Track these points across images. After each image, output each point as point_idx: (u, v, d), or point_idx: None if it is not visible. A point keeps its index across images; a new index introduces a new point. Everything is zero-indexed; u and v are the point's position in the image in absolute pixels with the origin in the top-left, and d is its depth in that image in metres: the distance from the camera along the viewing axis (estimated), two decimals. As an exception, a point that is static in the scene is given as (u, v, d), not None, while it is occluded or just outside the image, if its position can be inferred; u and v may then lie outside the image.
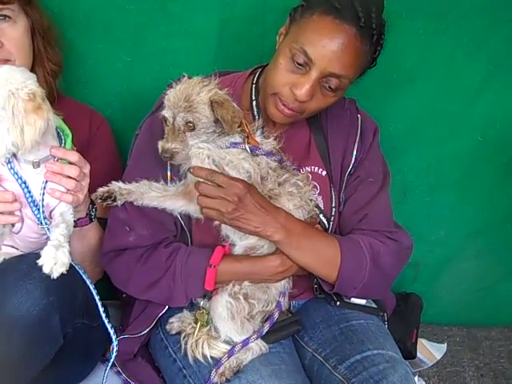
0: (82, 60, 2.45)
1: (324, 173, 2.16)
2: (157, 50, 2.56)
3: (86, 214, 1.99)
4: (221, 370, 1.88)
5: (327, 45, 1.86)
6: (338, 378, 1.92)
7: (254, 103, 2.12)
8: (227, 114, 1.85)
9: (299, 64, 1.90)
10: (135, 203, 1.95)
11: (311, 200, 2.04)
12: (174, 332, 2.06)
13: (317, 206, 2.08)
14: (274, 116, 2.02)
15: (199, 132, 1.87)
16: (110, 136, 2.36)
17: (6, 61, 2.00)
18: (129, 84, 2.59)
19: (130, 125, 2.33)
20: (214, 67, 2.02)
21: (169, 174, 2.01)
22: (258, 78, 2.14)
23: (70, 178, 1.80)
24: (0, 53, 1.99)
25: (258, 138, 1.98)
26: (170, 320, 2.08)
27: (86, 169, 1.86)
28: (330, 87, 1.94)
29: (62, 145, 1.83)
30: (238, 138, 1.94)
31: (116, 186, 1.96)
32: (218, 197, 1.84)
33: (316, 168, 2.15)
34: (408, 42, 2.53)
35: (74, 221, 1.88)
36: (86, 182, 1.87)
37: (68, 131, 1.86)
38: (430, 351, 2.71)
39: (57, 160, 1.80)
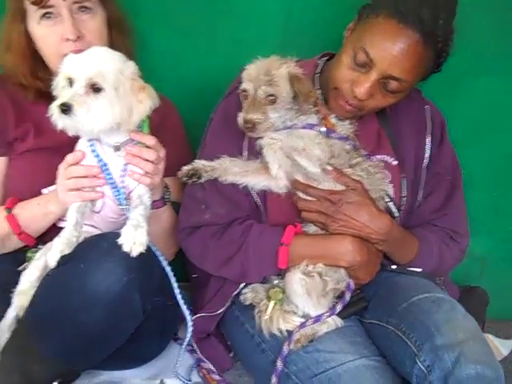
0: (152, 49, 2.52)
1: (395, 162, 2.18)
2: (224, 40, 2.63)
3: (161, 197, 2.06)
4: (296, 336, 1.93)
5: (389, 48, 1.87)
6: (391, 329, 1.94)
7: (320, 91, 2.14)
8: (304, 87, 1.92)
9: (360, 64, 1.93)
10: (219, 179, 2.01)
11: (381, 189, 2.08)
12: (247, 303, 2.10)
13: (387, 195, 2.11)
14: (335, 109, 2.05)
15: (279, 106, 1.92)
16: (179, 122, 2.42)
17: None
18: (197, 72, 2.65)
19: (198, 111, 2.39)
20: (279, 56, 2.03)
21: (245, 153, 2.07)
22: (322, 68, 2.18)
23: (148, 161, 1.87)
24: (81, 43, 2.06)
25: (333, 121, 2.02)
26: (244, 290, 2.12)
27: (162, 153, 1.93)
28: (389, 89, 1.96)
29: (140, 129, 1.90)
30: (314, 119, 1.99)
31: (200, 163, 2.03)
32: (315, 210, 1.98)
33: (387, 157, 2.18)
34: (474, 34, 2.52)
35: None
36: (161, 166, 1.94)
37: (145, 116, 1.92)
38: (497, 347, 2.68)
39: (135, 144, 1.86)
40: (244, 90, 1.94)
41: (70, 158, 1.89)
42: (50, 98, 2.08)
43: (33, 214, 2.04)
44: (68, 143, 1.96)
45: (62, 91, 1.79)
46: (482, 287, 2.62)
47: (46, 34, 2.08)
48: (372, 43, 1.89)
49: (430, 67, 1.99)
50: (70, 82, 1.75)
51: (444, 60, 2.00)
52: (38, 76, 2.16)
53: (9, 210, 2.05)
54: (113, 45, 2.17)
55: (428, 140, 2.20)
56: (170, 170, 2.01)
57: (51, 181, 1.98)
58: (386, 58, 1.88)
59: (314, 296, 1.95)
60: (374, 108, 2.05)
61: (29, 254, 2.06)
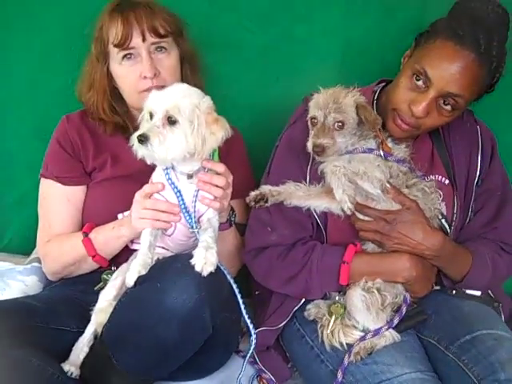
0: (218, 79, 2.68)
1: (447, 182, 2.30)
2: (284, 70, 2.79)
3: (227, 220, 2.21)
4: (356, 349, 2.05)
5: (446, 67, 2.01)
6: (450, 357, 2.04)
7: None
8: (370, 115, 2.07)
9: (418, 83, 2.06)
10: (284, 203, 2.16)
11: (435, 208, 2.19)
12: (311, 318, 2.22)
13: (440, 213, 2.23)
14: (392, 130, 2.18)
15: (346, 131, 2.07)
16: (244, 148, 2.56)
17: (162, 87, 2.21)
18: (259, 101, 2.82)
19: (260, 138, 2.60)
20: (337, 84, 2.17)
21: (308, 178, 2.21)
22: (379, 94, 2.31)
23: (218, 186, 2.01)
24: (158, 80, 2.27)
25: (390, 145, 2.15)
26: (308, 307, 2.24)
27: (230, 178, 2.07)
28: (445, 106, 2.08)
29: (210, 157, 2.04)
30: (372, 144, 2.13)
31: (266, 188, 2.18)
32: (372, 230, 2.11)
33: (440, 177, 2.30)
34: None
35: None
36: (229, 191, 2.08)
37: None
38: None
39: (207, 171, 2.02)
40: (313, 118, 2.09)
41: (148, 188, 2.04)
42: (125, 130, 2.33)
43: (107, 237, 2.21)
44: (142, 171, 2.13)
45: (143, 124, 1.97)
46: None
47: (126, 73, 2.30)
48: (430, 64, 2.03)
49: (484, 86, 2.11)
50: (151, 115, 1.92)
51: (497, 80, 2.12)
52: (116, 111, 2.40)
53: (85, 234, 2.25)
54: (184, 79, 2.37)
55: (479, 159, 2.31)
56: (235, 193, 2.13)
57: (126, 206, 2.15)
58: (444, 76, 2.01)
59: (374, 311, 2.06)
60: (429, 127, 2.17)
61: (104, 276, 2.23)
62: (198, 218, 2.03)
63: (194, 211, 2.00)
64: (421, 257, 2.13)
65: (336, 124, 2.05)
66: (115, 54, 2.29)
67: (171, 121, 1.90)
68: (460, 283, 2.22)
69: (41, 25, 2.75)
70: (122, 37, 2.24)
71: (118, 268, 2.19)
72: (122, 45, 2.25)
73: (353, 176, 2.05)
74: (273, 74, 2.79)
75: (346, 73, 2.70)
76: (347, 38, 2.76)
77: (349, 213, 2.06)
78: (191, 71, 2.44)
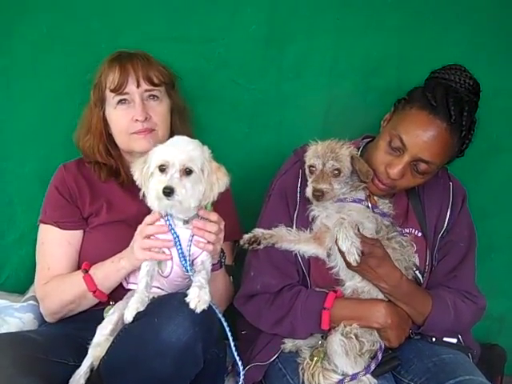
0: (210, 131, 2.85)
1: (420, 234, 2.46)
2: (272, 123, 2.97)
3: (218, 261, 2.35)
4: None
5: (420, 135, 2.19)
6: None
7: None
8: (363, 167, 2.25)
9: (395, 148, 2.25)
10: (276, 245, 2.33)
11: (410, 260, 2.36)
12: (286, 351, 2.37)
13: (414, 264, 2.39)
14: (370, 188, 2.36)
15: (341, 179, 2.26)
16: (230, 195, 2.69)
17: (152, 130, 2.46)
18: (247, 152, 2.99)
19: (248, 187, 2.79)
20: (321, 138, 2.36)
21: (295, 224, 2.38)
22: (362, 150, 2.47)
23: (211, 232, 2.16)
24: (148, 123, 2.45)
25: (376, 198, 2.35)
26: (284, 340, 2.39)
27: (222, 225, 2.22)
28: (418, 170, 2.26)
29: (203, 205, 2.19)
30: (362, 195, 2.32)
31: (259, 231, 2.36)
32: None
33: (413, 229, 2.47)
34: (494, 117, 2.79)
35: None
36: (221, 235, 2.23)
37: None
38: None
39: (201, 218, 2.17)
40: (312, 166, 2.28)
41: (148, 218, 2.19)
42: (118, 175, 2.50)
43: (106, 271, 2.33)
44: (135, 216, 2.30)
45: (152, 178, 2.11)
46: (501, 345, 2.80)
47: (119, 117, 2.48)
48: (406, 130, 2.21)
49: (454, 152, 2.30)
50: (161, 168, 2.07)
51: (467, 146, 2.31)
52: (110, 154, 2.55)
53: (85, 270, 2.37)
54: (173, 128, 2.56)
55: (448, 212, 2.47)
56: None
57: (122, 249, 2.29)
58: (418, 143, 2.19)
59: (352, 356, 2.20)
60: (404, 187, 2.35)
61: (106, 314, 2.31)
62: (192, 261, 2.17)
63: (189, 254, 2.15)
64: (396, 306, 2.28)
65: (333, 171, 2.24)
66: (111, 99, 2.47)
67: (187, 171, 2.06)
68: (422, 326, 2.34)
69: (45, 72, 2.90)
70: (119, 82, 2.43)
71: (114, 303, 2.32)
72: (118, 90, 2.43)
73: (355, 229, 2.19)
74: (261, 127, 2.97)
75: (328, 128, 2.87)
76: (331, 96, 2.94)
77: (354, 265, 2.16)
78: (180, 121, 2.62)
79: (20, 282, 2.70)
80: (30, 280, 2.63)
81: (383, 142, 2.28)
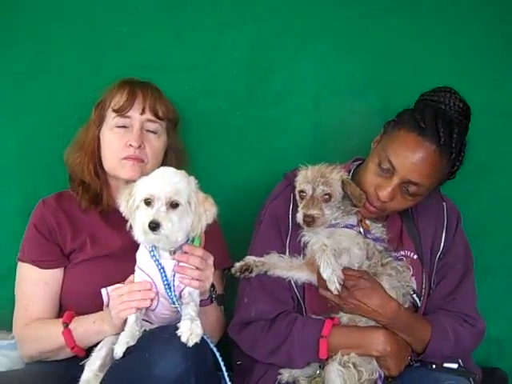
0: (194, 157, 2.78)
1: (415, 256, 2.43)
2: (259, 148, 2.96)
3: (208, 297, 2.29)
4: None
5: (409, 157, 2.18)
6: None
7: None
8: (355, 190, 2.22)
9: (384, 170, 2.23)
10: (268, 273, 2.28)
11: (408, 285, 2.32)
12: (283, 382, 2.30)
13: (412, 289, 2.35)
14: (362, 211, 2.32)
15: (332, 204, 2.23)
16: (217, 226, 2.57)
17: (142, 161, 2.41)
18: (235, 178, 2.96)
19: (236, 213, 2.75)
20: (309, 162, 2.34)
21: (287, 250, 2.34)
22: (352, 173, 2.45)
23: (195, 268, 2.10)
24: (140, 152, 2.41)
25: (368, 222, 2.31)
26: (281, 371, 2.32)
27: (210, 260, 2.16)
28: (408, 192, 2.24)
29: (190, 239, 2.14)
30: (354, 220, 2.28)
31: (251, 259, 2.31)
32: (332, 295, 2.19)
33: (409, 252, 2.43)
34: (483, 137, 2.76)
35: None
36: (210, 272, 2.16)
37: None
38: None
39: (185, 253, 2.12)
40: (302, 191, 2.25)
41: (136, 286, 2.12)
42: (99, 203, 2.44)
43: (87, 330, 2.22)
44: (122, 250, 2.28)
45: (138, 210, 2.06)
46: (502, 369, 2.79)
47: (114, 139, 2.44)
48: (395, 152, 2.20)
49: (444, 174, 2.28)
50: (147, 202, 2.02)
51: (457, 168, 2.29)
52: (98, 175, 2.49)
53: (65, 324, 2.26)
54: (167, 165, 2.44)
55: (443, 234, 2.44)
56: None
57: (108, 284, 2.21)
58: (406, 165, 2.18)
59: None
60: (394, 209, 2.32)
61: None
62: (180, 293, 2.11)
63: (173, 285, 2.09)
64: (396, 334, 2.23)
65: (324, 196, 2.21)
66: (110, 120, 2.44)
67: (173, 205, 2.02)
68: (423, 354, 2.30)
69: (26, 105, 2.86)
70: (124, 104, 2.40)
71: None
72: (121, 111, 2.40)
73: (339, 255, 2.17)
74: (248, 153, 2.95)
75: (316, 152, 2.87)
76: (316, 120, 2.94)
77: (335, 293, 2.13)
78: (177, 162, 2.56)
79: (8, 318, 2.58)
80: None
81: (372, 164, 2.27)
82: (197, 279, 2.09)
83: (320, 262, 2.12)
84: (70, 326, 2.25)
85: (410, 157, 2.17)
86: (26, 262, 2.44)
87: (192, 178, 2.14)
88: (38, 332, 2.35)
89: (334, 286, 2.11)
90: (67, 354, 2.30)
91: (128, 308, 2.06)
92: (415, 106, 2.30)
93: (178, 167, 2.25)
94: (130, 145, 2.39)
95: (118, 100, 2.43)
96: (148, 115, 2.44)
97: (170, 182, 2.05)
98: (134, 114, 2.42)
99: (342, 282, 2.11)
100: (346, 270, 2.17)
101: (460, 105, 2.23)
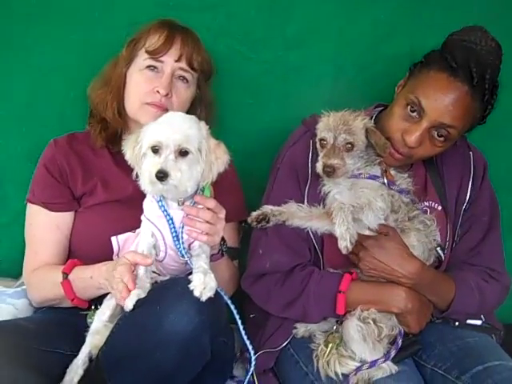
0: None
1: (439, 207, 2.33)
2: (277, 94, 2.84)
3: (218, 251, 2.19)
4: (354, 380, 2.05)
5: (440, 98, 2.06)
6: None
7: None
8: (380, 139, 2.10)
9: (412, 113, 2.11)
10: (286, 223, 2.17)
11: (434, 240, 2.22)
12: (298, 336, 2.25)
13: (437, 243, 2.26)
14: (386, 159, 2.20)
15: (354, 153, 2.11)
16: (234, 171, 2.54)
17: (166, 109, 2.27)
18: (251, 125, 2.85)
19: (251, 160, 2.67)
20: (328, 109, 2.21)
21: (306, 199, 2.23)
22: (375, 119, 2.33)
23: (205, 221, 2.00)
24: (165, 101, 2.29)
25: (393, 173, 2.19)
26: (296, 325, 2.27)
27: (222, 214, 2.06)
28: (438, 137, 2.12)
29: (200, 188, 2.05)
30: (377, 171, 2.16)
31: (268, 208, 2.20)
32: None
33: (433, 203, 2.33)
34: None
35: None
36: (220, 226, 2.06)
37: None
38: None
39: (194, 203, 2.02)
40: (322, 139, 2.13)
41: (129, 256, 1.98)
42: (114, 144, 2.35)
43: (86, 285, 2.14)
44: (133, 196, 2.14)
45: (145, 158, 1.96)
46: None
47: (142, 82, 2.32)
48: (424, 94, 2.08)
49: (476, 118, 2.16)
50: (154, 149, 1.92)
51: (489, 112, 2.18)
52: (120, 114, 2.38)
53: (65, 275, 2.17)
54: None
55: (470, 185, 2.34)
56: (226, 216, 2.11)
57: (119, 231, 2.14)
58: (437, 107, 2.06)
59: (370, 342, 2.07)
60: (421, 156, 2.21)
61: (89, 320, 2.16)
62: (189, 245, 2.03)
63: (182, 237, 2.00)
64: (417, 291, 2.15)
65: (346, 145, 2.09)
66: (141, 61, 2.31)
67: (183, 152, 1.92)
68: (446, 312, 2.23)
69: (37, 45, 2.74)
70: (160, 47, 2.28)
71: (98, 308, 2.14)
72: (155, 54, 2.28)
73: (358, 212, 2.06)
74: (265, 98, 2.84)
75: (336, 98, 2.74)
76: (339, 65, 2.81)
77: (344, 252, 2.03)
78: (206, 115, 2.46)
79: (13, 265, 2.56)
80: (24, 264, 2.49)
81: (399, 108, 2.16)
82: (206, 233, 2.00)
83: (336, 219, 2.02)
84: (69, 277, 2.17)
85: (441, 98, 2.06)
86: (35, 204, 2.36)
87: (203, 124, 2.04)
88: (42, 279, 2.28)
89: (345, 243, 2.00)
90: (71, 304, 2.23)
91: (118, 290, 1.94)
92: (444, 46, 2.17)
93: (207, 121, 2.15)
94: (158, 91, 2.28)
95: (155, 42, 2.30)
96: (183, 64, 2.32)
97: (179, 128, 1.94)
98: (169, 59, 2.30)
99: (354, 242, 2.01)
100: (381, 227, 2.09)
101: (492, 44, 2.10)
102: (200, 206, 2.02)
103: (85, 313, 2.18)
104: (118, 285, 1.91)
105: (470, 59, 2.04)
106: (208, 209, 2.02)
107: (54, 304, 2.30)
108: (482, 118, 2.18)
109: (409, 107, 2.12)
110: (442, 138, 2.12)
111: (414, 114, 2.11)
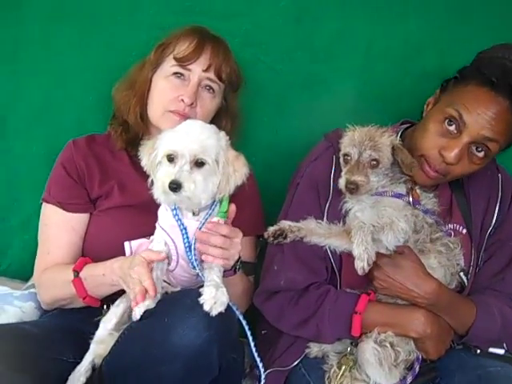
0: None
1: (464, 231, 2.24)
2: (301, 107, 2.78)
3: (232, 267, 2.10)
4: None
5: (482, 112, 1.99)
6: None
7: None
8: (406, 158, 2.02)
9: (450, 128, 2.04)
10: (304, 240, 2.09)
11: (458, 264, 2.14)
12: (311, 356, 2.17)
13: (461, 268, 2.17)
14: (418, 177, 2.12)
15: (380, 171, 2.03)
16: (254, 184, 2.48)
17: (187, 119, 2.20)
18: (273, 138, 2.80)
19: (272, 174, 2.60)
20: (353, 124, 2.14)
21: (325, 216, 2.15)
22: (401, 135, 2.26)
23: (217, 246, 1.92)
24: (189, 110, 2.25)
25: (418, 191, 2.11)
26: (309, 344, 2.18)
27: (238, 237, 1.98)
28: (478, 153, 2.05)
29: (217, 201, 1.98)
30: (403, 189, 2.08)
31: (286, 224, 2.11)
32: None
33: (457, 226, 2.25)
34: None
35: None
36: (235, 250, 1.98)
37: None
38: None
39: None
40: (346, 154, 2.05)
41: (146, 254, 1.94)
42: (133, 147, 2.27)
43: (99, 282, 2.09)
44: (149, 201, 2.03)
45: (160, 166, 1.91)
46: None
47: (166, 89, 2.28)
48: (466, 108, 2.00)
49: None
50: (170, 158, 1.87)
51: None
52: (143, 119, 2.34)
53: (76, 273, 2.12)
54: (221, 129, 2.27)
55: (497, 208, 2.26)
56: (245, 230, 2.05)
57: (133, 236, 2.07)
58: (479, 121, 1.99)
59: (386, 366, 1.99)
60: (458, 174, 2.12)
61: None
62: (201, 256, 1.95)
63: (195, 248, 1.93)
64: (437, 316, 2.07)
65: (371, 162, 2.01)
66: (168, 67, 2.27)
67: (199, 163, 1.86)
68: (466, 336, 2.13)
69: (56, 46, 2.72)
70: (189, 55, 2.24)
71: (109, 308, 2.09)
72: (184, 61, 2.24)
73: (379, 232, 1.98)
74: (289, 111, 2.78)
75: (362, 114, 2.65)
76: (365, 80, 2.75)
77: (360, 273, 1.95)
78: (232, 128, 2.42)
79: (23, 268, 2.55)
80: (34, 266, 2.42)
81: (434, 124, 2.08)
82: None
83: (354, 239, 1.95)
84: (80, 275, 2.11)
85: (484, 112, 1.99)
86: (51, 204, 2.31)
87: (223, 134, 1.98)
88: (53, 278, 2.23)
89: (362, 264, 1.92)
90: (82, 304, 2.17)
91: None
92: (477, 62, 2.11)
93: (231, 133, 2.10)
94: (182, 100, 2.24)
95: (184, 49, 2.25)
96: (211, 74, 2.28)
97: (196, 137, 1.88)
98: (197, 68, 2.26)
99: (371, 263, 1.93)
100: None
101: None
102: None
103: (97, 319, 2.09)
104: (135, 286, 1.85)
105: (508, 75, 1.99)
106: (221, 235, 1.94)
107: (64, 304, 2.24)
108: None
109: (446, 122, 2.04)
110: (481, 154, 2.05)
111: (453, 128, 2.04)
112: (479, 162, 2.08)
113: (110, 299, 2.10)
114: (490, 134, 2.00)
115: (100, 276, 2.06)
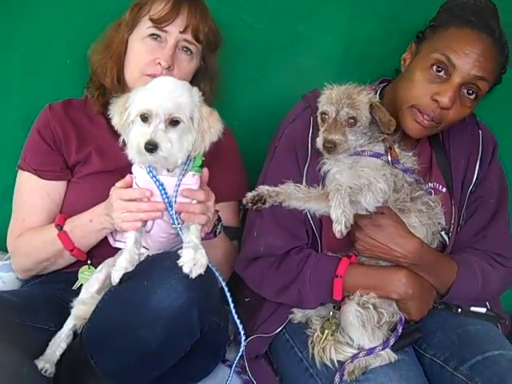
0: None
1: (444, 189, 2.22)
2: (284, 67, 2.72)
3: (212, 230, 2.08)
4: (350, 368, 1.95)
5: (469, 52, 1.97)
6: (461, 378, 1.94)
7: None
8: (384, 116, 1.98)
9: (439, 73, 2.01)
10: (283, 204, 2.03)
11: (439, 223, 2.11)
12: (295, 322, 2.17)
13: (442, 226, 2.14)
14: (412, 129, 2.09)
15: (357, 129, 1.98)
16: (235, 146, 2.46)
17: None
18: (256, 99, 2.74)
19: (255, 137, 2.53)
20: (336, 83, 2.08)
21: (304, 180, 2.11)
22: (380, 96, 2.21)
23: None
24: (167, 73, 2.18)
25: (397, 151, 2.06)
26: (293, 310, 2.17)
27: (211, 200, 1.96)
28: (469, 96, 2.03)
29: (192, 159, 1.93)
30: (381, 148, 2.04)
31: (264, 188, 2.04)
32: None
33: (437, 185, 2.22)
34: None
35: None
36: (211, 214, 1.96)
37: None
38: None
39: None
40: (324, 113, 2.00)
41: (119, 183, 1.95)
42: (106, 117, 2.15)
43: (85, 230, 2.09)
44: (128, 166, 2.01)
45: (133, 126, 1.86)
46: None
47: (142, 51, 2.22)
48: (452, 49, 1.99)
49: (498, 73, 2.08)
50: (143, 117, 1.81)
51: (505, 71, 2.11)
52: (119, 81, 2.29)
53: (60, 227, 2.12)
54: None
55: (477, 165, 2.24)
56: (226, 195, 2.06)
57: None
58: (468, 60, 1.98)
59: (369, 328, 1.97)
60: (451, 120, 2.09)
61: (81, 275, 2.15)
62: (180, 214, 1.90)
63: (175, 202, 1.88)
64: (419, 276, 2.05)
65: (349, 120, 1.97)
66: (144, 28, 2.21)
67: (173, 122, 1.81)
68: (446, 295, 2.12)
69: (33, 14, 2.63)
70: (165, 16, 2.17)
71: (93, 262, 2.14)
72: (159, 23, 2.18)
73: (357, 194, 1.93)
74: (271, 72, 2.73)
75: (346, 73, 2.60)
76: (350, 38, 2.70)
77: (338, 236, 1.90)
78: (210, 88, 2.37)
79: (3, 238, 2.45)
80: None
81: (422, 72, 2.04)
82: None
83: (332, 202, 1.90)
84: (64, 228, 2.11)
85: (470, 51, 1.98)
86: (26, 171, 2.27)
87: (195, 90, 1.92)
88: (31, 240, 2.20)
89: (340, 227, 1.87)
90: (66, 261, 2.18)
91: (134, 220, 1.89)
92: (447, 10, 2.12)
93: (211, 90, 2.09)
94: (159, 63, 2.18)
95: (160, 10, 2.18)
96: (188, 35, 2.21)
97: (170, 95, 1.83)
98: (173, 29, 2.19)
99: (349, 226, 1.88)
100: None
101: (489, 4, 2.07)
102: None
103: (76, 286, 2.12)
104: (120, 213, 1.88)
105: (484, 13, 2.01)
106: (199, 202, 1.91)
107: (44, 268, 2.22)
108: (498, 77, 2.11)
109: (434, 68, 2.01)
110: (472, 96, 2.03)
111: (442, 73, 2.01)
112: (470, 105, 2.06)
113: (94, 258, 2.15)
114: (480, 72, 1.98)
115: (87, 223, 2.07)
